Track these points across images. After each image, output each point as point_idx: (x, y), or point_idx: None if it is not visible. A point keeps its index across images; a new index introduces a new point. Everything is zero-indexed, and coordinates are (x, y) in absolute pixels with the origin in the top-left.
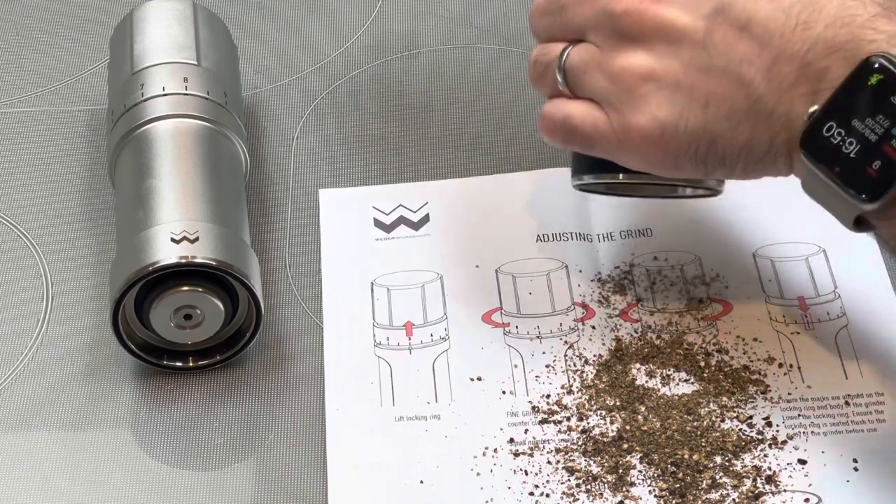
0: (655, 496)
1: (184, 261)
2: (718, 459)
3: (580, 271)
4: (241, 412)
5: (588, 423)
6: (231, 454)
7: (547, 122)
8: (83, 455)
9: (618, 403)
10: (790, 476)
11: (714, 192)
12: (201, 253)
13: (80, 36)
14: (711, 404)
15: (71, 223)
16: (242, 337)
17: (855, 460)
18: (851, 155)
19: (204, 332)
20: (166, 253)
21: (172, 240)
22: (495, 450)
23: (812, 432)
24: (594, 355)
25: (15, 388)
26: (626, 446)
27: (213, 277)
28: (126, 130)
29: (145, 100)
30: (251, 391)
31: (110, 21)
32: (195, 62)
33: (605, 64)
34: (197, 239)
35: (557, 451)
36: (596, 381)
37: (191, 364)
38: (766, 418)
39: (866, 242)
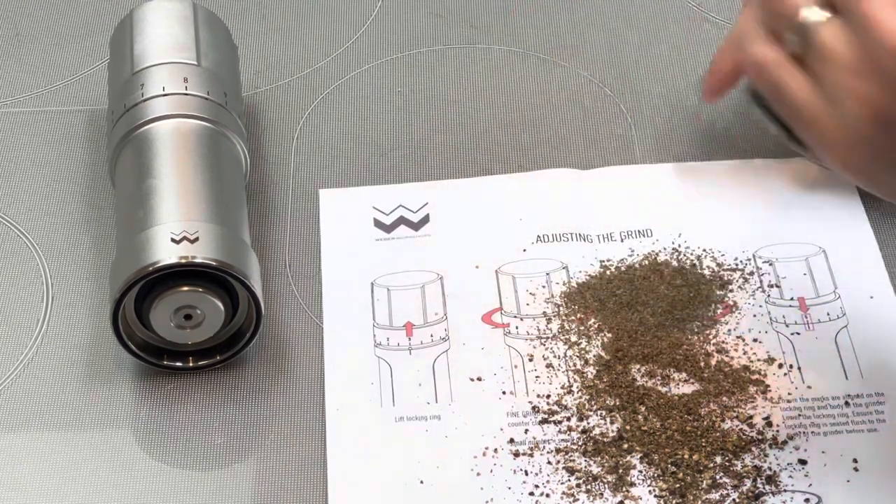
0: (655, 496)
1: (184, 261)
2: (718, 459)
3: (580, 271)
4: (241, 412)
5: (588, 424)
6: (231, 454)
7: (761, 71)
8: (83, 455)
9: (618, 403)
10: (790, 476)
11: None
12: (201, 253)
13: (80, 36)
14: (711, 404)
15: (71, 223)
16: (242, 337)
17: (855, 460)
18: None
19: (204, 333)
20: (166, 253)
21: (172, 240)
22: (495, 450)
23: (812, 432)
24: (594, 355)
25: (15, 388)
26: (626, 446)
27: (213, 277)
28: (126, 130)
29: (145, 100)
30: (251, 391)
31: (110, 21)
32: (195, 62)
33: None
34: (197, 239)
35: (557, 451)
36: (596, 382)
37: (191, 364)
38: (767, 418)
39: (866, 242)
